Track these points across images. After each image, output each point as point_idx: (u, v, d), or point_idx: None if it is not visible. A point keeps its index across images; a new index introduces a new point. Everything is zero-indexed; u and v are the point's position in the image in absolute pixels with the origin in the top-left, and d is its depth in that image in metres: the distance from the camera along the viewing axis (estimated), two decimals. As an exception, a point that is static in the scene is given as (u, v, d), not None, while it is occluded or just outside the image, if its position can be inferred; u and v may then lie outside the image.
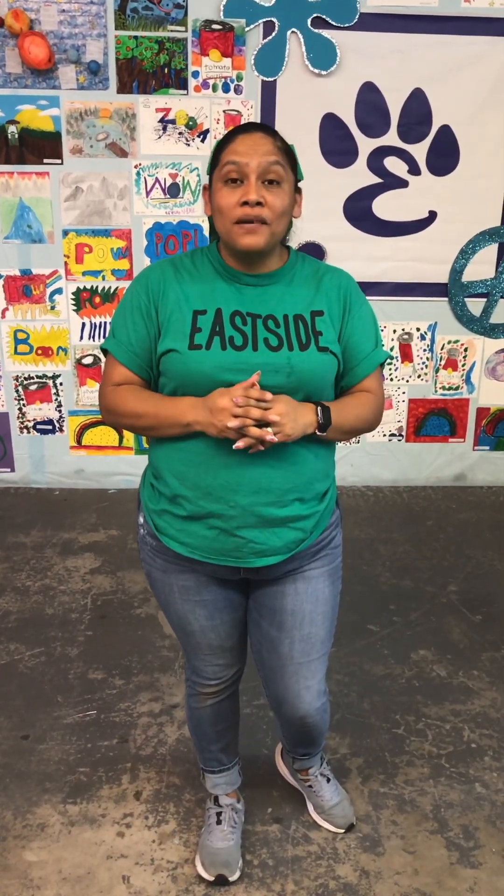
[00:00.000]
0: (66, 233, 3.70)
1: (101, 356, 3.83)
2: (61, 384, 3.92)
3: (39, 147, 3.59)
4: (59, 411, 3.96)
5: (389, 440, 4.09)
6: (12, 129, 3.55)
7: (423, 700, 2.53)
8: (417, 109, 3.65)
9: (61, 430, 3.99)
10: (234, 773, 2.00)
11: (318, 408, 1.55)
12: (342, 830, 2.02)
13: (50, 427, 3.98)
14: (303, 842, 2.01)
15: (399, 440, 4.10)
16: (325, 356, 1.57)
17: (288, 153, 1.55)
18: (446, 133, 3.69)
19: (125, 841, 2.00)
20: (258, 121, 3.58)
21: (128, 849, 1.98)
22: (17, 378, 3.89)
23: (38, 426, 3.97)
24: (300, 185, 1.62)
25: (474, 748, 2.33)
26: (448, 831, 2.05)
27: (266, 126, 1.58)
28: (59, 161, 3.61)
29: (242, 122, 3.59)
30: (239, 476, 1.55)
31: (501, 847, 2.01)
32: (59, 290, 3.78)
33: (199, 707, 1.87)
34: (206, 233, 3.71)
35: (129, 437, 4.00)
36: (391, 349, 3.92)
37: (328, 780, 2.05)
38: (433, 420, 4.10)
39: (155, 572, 1.73)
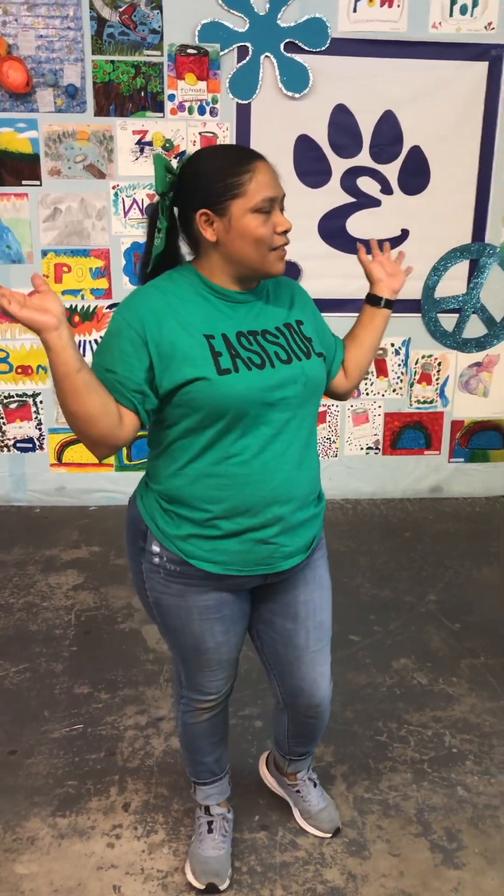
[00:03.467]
0: (45, 253, 3.74)
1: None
2: (41, 402, 3.95)
3: (18, 169, 3.63)
4: (40, 429, 3.98)
5: (367, 453, 4.16)
6: (-9, 151, 3.59)
7: (404, 707, 2.58)
8: (389, 131, 3.75)
9: (41, 448, 4.01)
10: (224, 783, 2.03)
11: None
12: (329, 835, 2.06)
13: (30, 445, 4.00)
14: (290, 848, 2.04)
15: (376, 453, 4.17)
16: (321, 360, 1.69)
17: None
18: (417, 153, 3.79)
19: (115, 852, 2.03)
20: (234, 141, 3.66)
21: (118, 859, 2.01)
22: (-3, 397, 3.92)
23: (19, 444, 4.00)
24: None
25: (455, 753, 2.39)
26: (432, 834, 2.10)
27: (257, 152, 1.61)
28: (37, 182, 3.66)
29: (219, 143, 3.66)
30: (274, 489, 1.61)
31: (484, 848, 2.06)
32: (38, 310, 3.81)
33: (195, 723, 1.89)
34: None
35: (109, 454, 4.03)
36: (367, 364, 4.00)
37: (315, 785, 2.09)
38: (409, 433, 4.17)
39: (168, 598, 1.71)
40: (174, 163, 1.63)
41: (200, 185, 1.55)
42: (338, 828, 2.07)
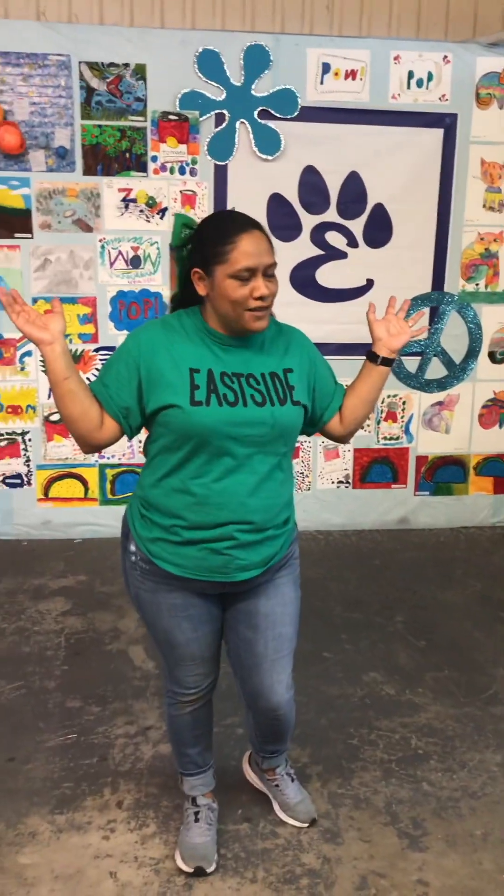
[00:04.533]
0: (35, 300, 4.00)
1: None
2: (30, 440, 4.16)
3: (11, 223, 3.91)
4: (28, 466, 4.19)
5: (338, 487, 4.42)
6: (-15, 206, 3.87)
7: (374, 715, 2.80)
8: (354, 189, 4.09)
9: (29, 483, 4.22)
10: (209, 776, 2.23)
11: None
12: (305, 825, 2.26)
13: (18, 481, 4.21)
14: (270, 836, 2.24)
15: (346, 487, 4.43)
16: (297, 409, 1.90)
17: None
18: (380, 210, 4.13)
19: (110, 843, 2.21)
20: (212, 198, 3.97)
21: (113, 849, 2.19)
22: (-13, 435, 4.14)
23: (7, 480, 4.20)
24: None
25: (421, 754, 2.60)
26: (399, 823, 2.30)
27: (253, 219, 1.82)
28: (29, 235, 3.93)
29: (198, 201, 3.97)
30: (231, 514, 1.85)
31: (446, 834, 2.27)
32: (28, 353, 4.06)
33: (178, 715, 2.11)
34: (168, 300, 4.04)
35: (94, 489, 4.25)
36: (337, 403, 4.29)
37: (292, 780, 2.30)
38: (377, 468, 4.44)
39: (144, 594, 1.97)
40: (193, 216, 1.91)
41: (196, 248, 1.83)
42: (314, 818, 2.27)
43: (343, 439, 2.11)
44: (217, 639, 2.05)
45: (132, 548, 1.96)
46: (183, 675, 2.04)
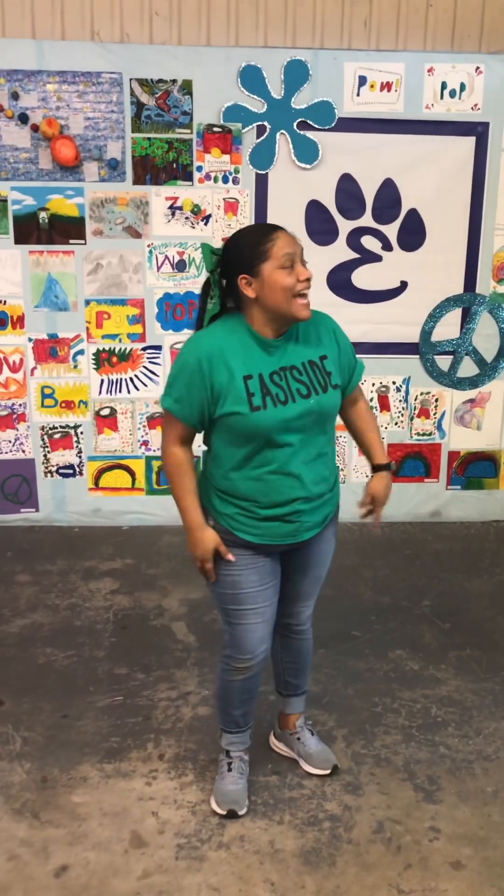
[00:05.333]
0: (87, 302, 4.28)
1: (116, 409, 4.40)
2: (82, 433, 4.45)
3: (66, 230, 4.20)
4: (80, 457, 4.48)
5: (371, 480, 4.61)
6: (43, 214, 4.16)
7: (398, 687, 3.00)
8: (389, 196, 4.28)
9: (81, 473, 4.50)
10: (246, 735, 2.46)
11: (389, 469, 2.43)
12: (327, 772, 2.49)
13: (71, 471, 4.49)
14: (297, 787, 2.46)
15: (380, 480, 4.62)
16: (337, 392, 2.17)
17: None
18: (414, 215, 4.32)
19: (153, 788, 2.46)
20: (253, 206, 4.22)
21: (155, 793, 2.43)
22: (42, 428, 4.43)
23: (61, 470, 4.49)
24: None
25: (440, 721, 2.80)
26: (416, 779, 2.51)
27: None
28: (82, 241, 4.21)
29: (240, 208, 4.22)
30: (298, 491, 2.14)
31: (459, 790, 2.46)
32: (81, 352, 4.34)
33: (231, 680, 2.34)
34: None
35: (140, 479, 4.52)
36: (371, 399, 4.49)
37: (312, 733, 2.54)
38: (410, 462, 4.63)
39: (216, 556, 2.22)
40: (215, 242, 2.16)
41: (238, 257, 2.04)
42: (335, 765, 2.50)
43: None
44: (277, 594, 2.29)
45: (210, 522, 2.20)
46: (243, 634, 2.24)
